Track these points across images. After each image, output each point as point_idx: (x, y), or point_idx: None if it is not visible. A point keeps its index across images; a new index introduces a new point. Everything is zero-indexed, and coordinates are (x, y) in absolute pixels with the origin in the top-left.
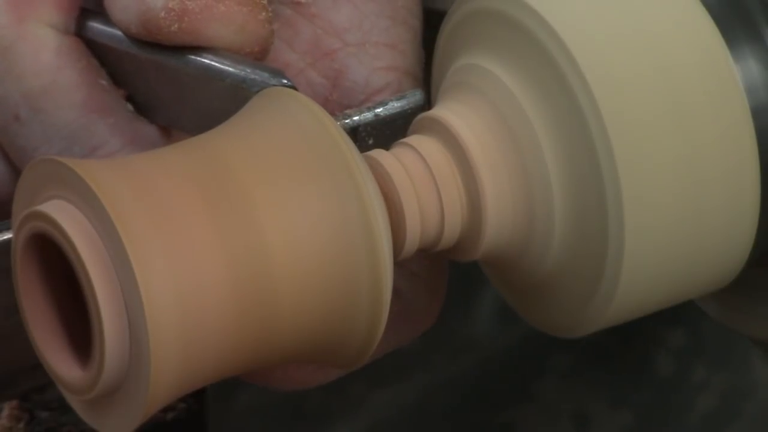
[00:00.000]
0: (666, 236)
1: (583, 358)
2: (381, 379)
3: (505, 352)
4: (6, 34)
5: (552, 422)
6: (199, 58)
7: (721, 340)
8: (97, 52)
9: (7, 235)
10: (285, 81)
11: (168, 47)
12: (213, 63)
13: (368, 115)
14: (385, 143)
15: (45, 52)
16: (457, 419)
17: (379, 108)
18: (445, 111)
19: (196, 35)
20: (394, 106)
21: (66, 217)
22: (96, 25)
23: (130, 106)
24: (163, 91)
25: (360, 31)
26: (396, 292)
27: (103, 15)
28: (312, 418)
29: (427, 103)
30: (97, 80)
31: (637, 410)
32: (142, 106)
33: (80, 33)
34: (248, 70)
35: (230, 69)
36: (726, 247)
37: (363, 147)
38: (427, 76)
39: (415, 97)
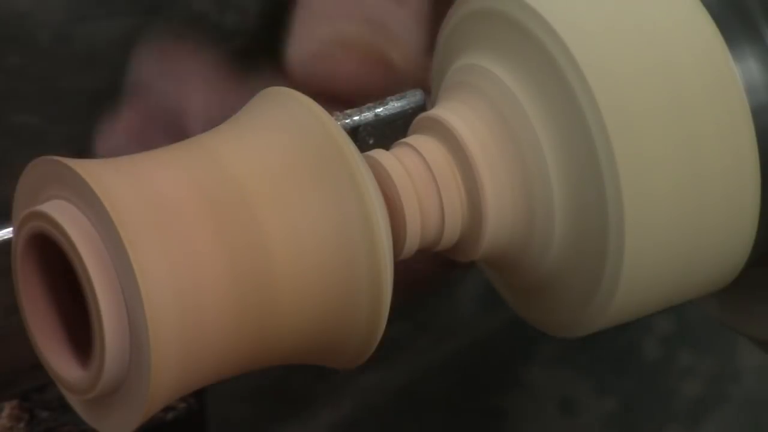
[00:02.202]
0: (666, 235)
1: (569, 343)
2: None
3: (491, 337)
4: None
5: (539, 409)
6: None
7: (707, 326)
8: None
9: (7, 235)
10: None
11: None
12: None
13: (368, 115)
14: (385, 143)
15: None
16: (444, 405)
17: (379, 108)
18: (445, 111)
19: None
20: (394, 106)
21: (66, 217)
22: None
23: None
24: None
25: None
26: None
27: None
28: (297, 403)
29: (427, 103)
30: None
31: (623, 396)
32: None
33: None
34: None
35: None
36: (726, 246)
37: (363, 147)
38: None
39: (415, 97)
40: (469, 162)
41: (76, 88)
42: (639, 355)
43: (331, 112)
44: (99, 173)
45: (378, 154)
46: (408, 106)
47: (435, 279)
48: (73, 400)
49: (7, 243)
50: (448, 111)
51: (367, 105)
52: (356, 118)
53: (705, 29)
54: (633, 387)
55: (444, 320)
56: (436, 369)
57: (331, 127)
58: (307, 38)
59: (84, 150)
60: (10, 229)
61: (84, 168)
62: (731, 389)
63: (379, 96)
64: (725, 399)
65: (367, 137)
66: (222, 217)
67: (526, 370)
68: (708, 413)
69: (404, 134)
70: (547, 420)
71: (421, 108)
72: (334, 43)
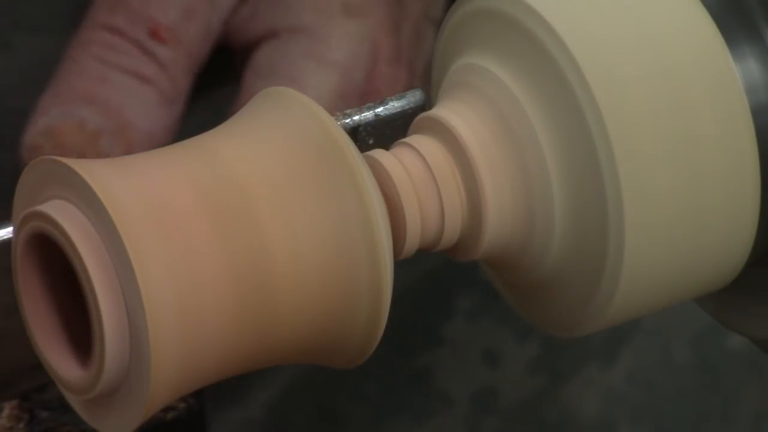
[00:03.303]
0: (666, 235)
1: (487, 295)
2: None
3: (406, 294)
4: None
5: (464, 363)
6: None
7: None
8: None
9: (7, 235)
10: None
11: None
12: None
13: (368, 115)
14: (385, 143)
15: None
16: (373, 370)
17: (379, 108)
18: (445, 111)
19: None
20: (394, 106)
21: (66, 217)
22: None
23: None
24: None
25: None
26: None
27: None
28: (234, 387)
29: (427, 103)
30: None
31: (543, 340)
32: None
33: None
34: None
35: None
36: (726, 246)
37: (363, 147)
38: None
39: (415, 96)
40: (469, 162)
41: None
42: None
43: (331, 112)
44: (99, 173)
45: (378, 154)
46: (408, 106)
47: None
48: (73, 400)
49: (7, 243)
50: (448, 111)
51: (367, 105)
52: (356, 118)
53: (705, 29)
54: None
55: None
56: None
57: (331, 127)
58: (32, 124)
59: None
60: (10, 229)
61: (84, 168)
62: (643, 320)
63: None
64: (637, 328)
65: (367, 137)
66: (222, 217)
67: (446, 325)
68: (622, 345)
69: (404, 134)
70: (474, 373)
71: (421, 108)
72: (44, 135)
